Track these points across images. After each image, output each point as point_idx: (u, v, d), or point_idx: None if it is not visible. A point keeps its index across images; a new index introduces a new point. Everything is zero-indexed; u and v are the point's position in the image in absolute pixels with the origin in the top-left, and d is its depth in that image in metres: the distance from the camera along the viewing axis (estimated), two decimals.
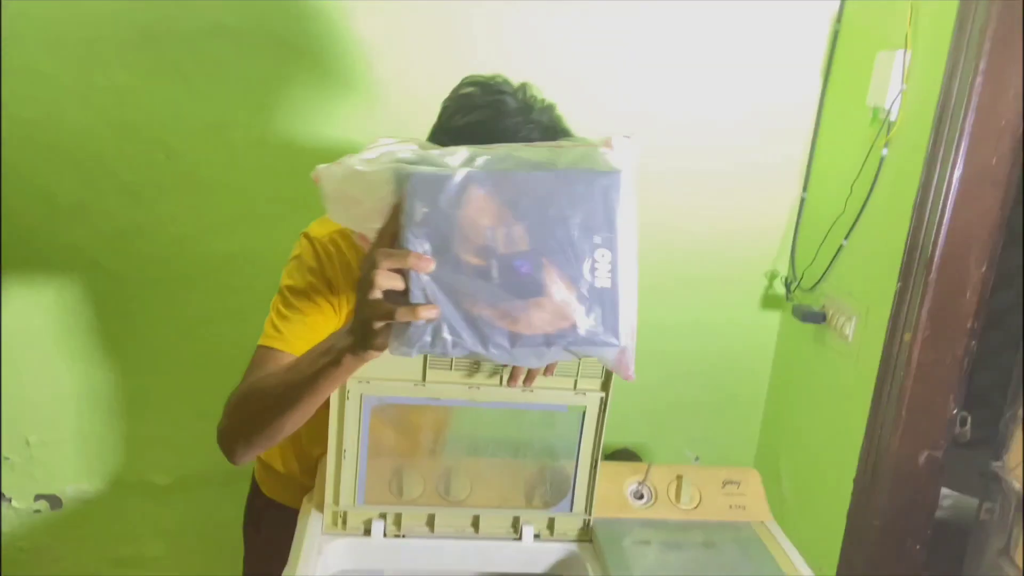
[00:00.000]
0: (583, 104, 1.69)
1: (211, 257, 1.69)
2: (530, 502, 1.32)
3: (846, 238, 1.62)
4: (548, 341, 0.81)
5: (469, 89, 1.09)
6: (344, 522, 1.26)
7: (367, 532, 1.25)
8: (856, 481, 1.57)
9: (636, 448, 1.98)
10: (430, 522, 1.31)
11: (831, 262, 1.67)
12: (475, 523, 1.31)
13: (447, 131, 1.08)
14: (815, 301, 1.74)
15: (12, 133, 1.56)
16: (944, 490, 1.59)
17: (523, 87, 1.09)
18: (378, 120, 1.66)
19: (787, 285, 1.83)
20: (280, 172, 1.66)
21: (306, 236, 1.18)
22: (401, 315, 0.79)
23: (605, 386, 1.27)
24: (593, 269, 0.81)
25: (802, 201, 1.81)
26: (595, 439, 1.30)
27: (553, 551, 1.30)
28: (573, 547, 1.29)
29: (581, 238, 0.81)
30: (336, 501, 1.25)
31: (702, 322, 1.90)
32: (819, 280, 1.71)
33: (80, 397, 1.74)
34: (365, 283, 0.81)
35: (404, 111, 1.64)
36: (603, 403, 1.27)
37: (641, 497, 1.35)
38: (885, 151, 1.52)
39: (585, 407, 1.27)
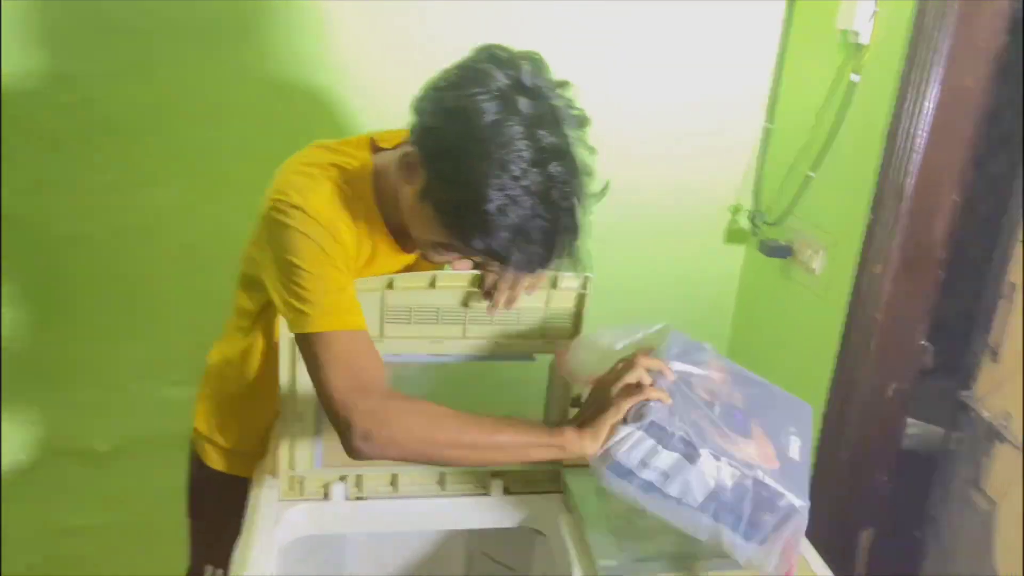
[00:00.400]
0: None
1: (143, 210, 1.56)
2: None
3: (814, 169, 1.57)
4: (747, 472, 0.96)
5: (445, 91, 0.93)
6: (302, 487, 1.19)
7: (327, 496, 1.19)
8: (825, 415, 1.55)
9: None
10: (393, 482, 1.24)
11: (798, 194, 1.62)
12: (441, 481, 1.25)
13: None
14: (781, 235, 1.69)
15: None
16: (909, 420, 1.59)
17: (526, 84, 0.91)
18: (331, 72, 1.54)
19: (752, 219, 1.78)
20: (217, 116, 1.53)
21: (307, 215, 0.99)
22: (649, 393, 0.96)
23: (574, 334, 1.21)
24: (788, 444, 1.03)
25: (767, 132, 1.74)
26: (565, 388, 1.24)
27: (524, 504, 1.25)
28: (544, 499, 1.24)
29: (781, 422, 1.06)
30: (292, 466, 1.18)
31: (665, 260, 1.85)
32: (785, 213, 1.66)
33: (8, 362, 1.62)
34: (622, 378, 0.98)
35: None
36: None
37: None
38: (855, 77, 1.45)
39: (554, 356, 1.21)
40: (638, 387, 0.97)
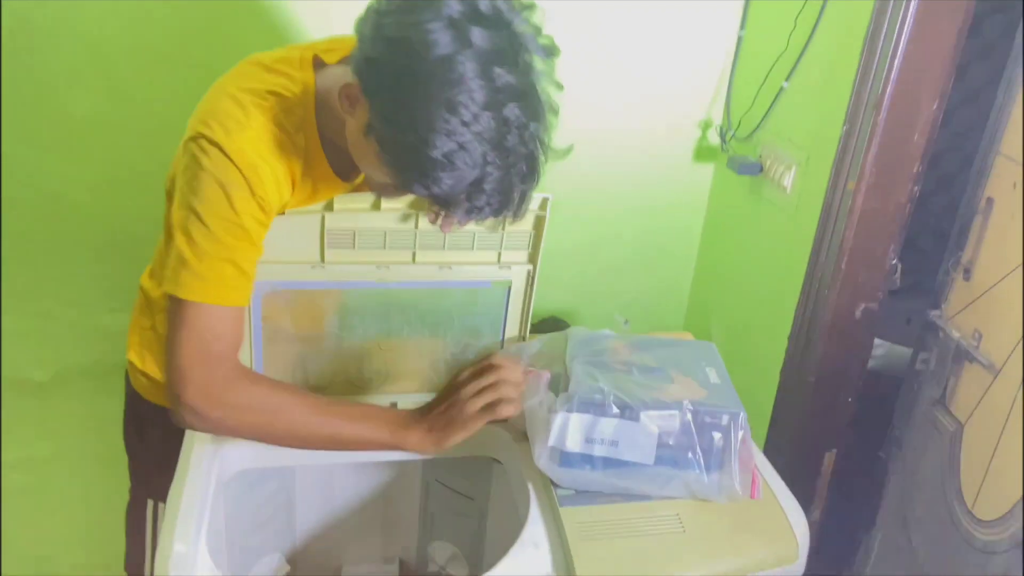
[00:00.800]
0: None
1: (67, 119, 1.44)
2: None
3: (787, 79, 1.48)
4: (681, 407, 1.02)
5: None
6: None
7: None
8: (791, 337, 1.51)
9: (564, 315, 1.88)
10: None
11: (770, 107, 1.54)
12: (392, 406, 1.19)
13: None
14: (752, 151, 1.62)
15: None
16: (876, 340, 1.56)
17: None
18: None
19: (722, 134, 1.70)
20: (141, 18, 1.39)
21: (227, 157, 0.89)
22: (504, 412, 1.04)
23: (532, 258, 1.14)
24: (706, 375, 1.11)
25: (739, 40, 1.64)
26: (522, 315, 1.18)
27: (478, 432, 1.20)
28: (499, 427, 1.19)
29: (693, 361, 1.14)
30: None
31: (630, 180, 1.77)
32: (756, 128, 1.58)
33: None
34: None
35: None
36: (530, 276, 1.14)
37: None
38: None
39: (510, 282, 1.14)
40: (493, 391, 1.03)
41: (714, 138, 1.74)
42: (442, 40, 0.76)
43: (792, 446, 1.55)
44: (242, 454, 1.12)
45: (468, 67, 0.77)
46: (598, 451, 1.00)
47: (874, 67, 1.28)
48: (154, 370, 1.18)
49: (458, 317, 1.17)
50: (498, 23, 0.79)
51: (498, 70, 0.78)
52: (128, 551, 1.35)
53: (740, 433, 1.02)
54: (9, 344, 1.60)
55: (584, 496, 1.03)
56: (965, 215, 1.39)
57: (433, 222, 1.05)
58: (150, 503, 1.27)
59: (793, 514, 1.05)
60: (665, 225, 1.84)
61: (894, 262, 1.42)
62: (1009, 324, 1.25)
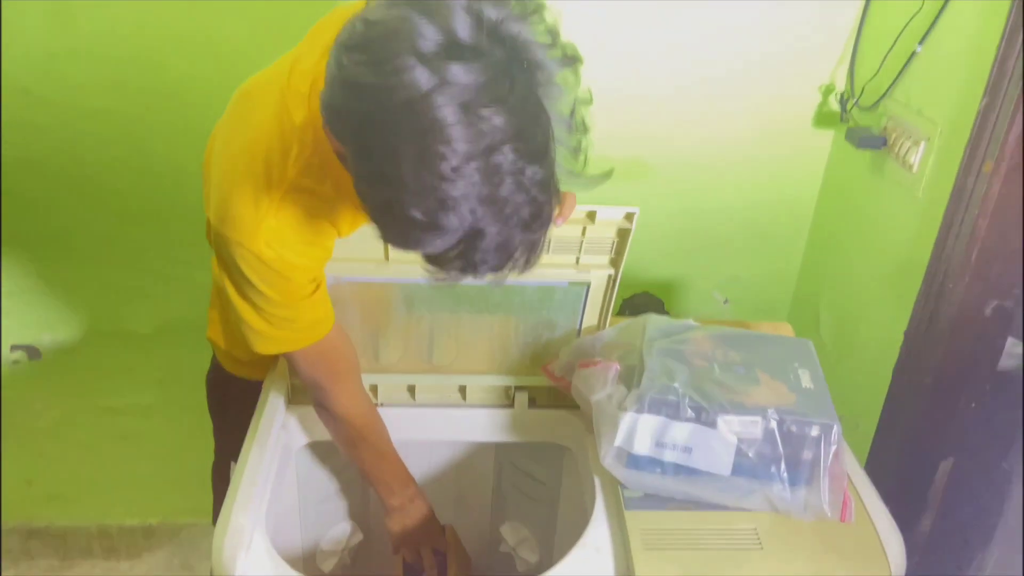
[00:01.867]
0: None
1: (177, 90, 1.46)
2: (524, 367, 1.15)
3: (921, 42, 1.31)
4: (765, 414, 0.94)
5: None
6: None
7: None
8: (907, 333, 1.37)
9: (659, 290, 1.79)
10: (411, 391, 1.16)
11: (899, 73, 1.37)
12: (462, 391, 1.16)
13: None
14: (875, 122, 1.46)
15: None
16: (1010, 339, 1.39)
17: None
18: None
19: (842, 103, 1.54)
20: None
21: (256, 257, 0.86)
22: None
23: (615, 263, 1.05)
24: (798, 377, 1.01)
25: None
26: (602, 311, 1.10)
27: (549, 419, 1.15)
28: (571, 414, 1.14)
29: (784, 360, 1.04)
30: None
31: (740, 147, 1.63)
32: (882, 96, 1.42)
33: (46, 245, 1.59)
34: None
35: None
36: (611, 280, 1.06)
37: None
38: None
39: (589, 283, 1.06)
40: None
41: (835, 105, 1.58)
42: (410, 81, 0.61)
43: (903, 452, 1.41)
44: (311, 429, 1.12)
45: (446, 110, 0.61)
46: (669, 456, 0.93)
47: (1022, 34, 1.11)
48: (233, 348, 1.19)
49: (532, 311, 1.11)
50: (487, 47, 0.63)
51: (485, 110, 0.62)
52: (214, 507, 1.39)
53: (832, 448, 0.92)
54: (111, 298, 1.67)
55: (653, 500, 0.96)
56: None
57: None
58: (233, 464, 1.30)
59: (889, 539, 0.94)
60: (775, 199, 1.70)
61: None
62: None
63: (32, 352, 1.70)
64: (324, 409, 1.07)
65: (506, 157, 0.63)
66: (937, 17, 1.27)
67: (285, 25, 1.40)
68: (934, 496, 1.43)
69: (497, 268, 0.70)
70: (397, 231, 0.68)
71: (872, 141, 1.42)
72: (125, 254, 1.63)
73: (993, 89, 1.16)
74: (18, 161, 1.50)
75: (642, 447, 0.93)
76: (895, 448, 1.41)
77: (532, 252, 0.71)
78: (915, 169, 1.34)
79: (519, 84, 0.64)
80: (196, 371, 1.75)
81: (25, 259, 1.61)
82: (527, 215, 0.67)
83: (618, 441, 0.94)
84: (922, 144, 1.32)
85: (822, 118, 1.61)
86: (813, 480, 0.92)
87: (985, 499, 1.47)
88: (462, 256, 0.67)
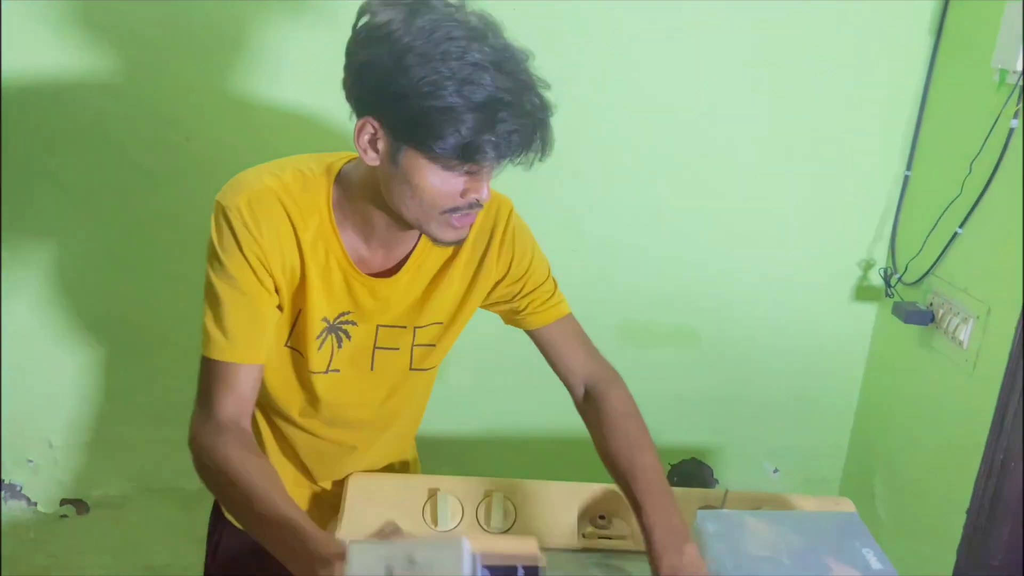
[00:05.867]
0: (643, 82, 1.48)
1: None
2: None
3: (962, 225, 1.37)
4: None
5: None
6: None
7: None
8: (970, 511, 1.34)
9: (707, 455, 1.78)
10: None
11: (942, 253, 1.42)
12: None
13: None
14: (921, 298, 1.50)
15: (14, 117, 1.43)
16: None
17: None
18: None
19: (886, 278, 1.59)
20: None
21: (217, 208, 0.94)
22: None
23: None
24: (866, 560, 0.99)
25: (905, 180, 1.56)
26: None
27: None
28: None
29: (846, 542, 1.02)
30: None
31: (785, 316, 1.68)
32: (926, 273, 1.47)
33: (104, 399, 1.64)
34: None
35: None
36: None
37: None
38: (1015, 122, 1.26)
39: None
40: None
41: (876, 280, 1.63)
42: (399, 16, 0.82)
43: None
44: None
45: (436, 18, 0.82)
46: None
47: None
48: None
49: None
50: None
51: (461, 13, 0.83)
52: None
53: None
54: (163, 454, 1.68)
55: None
56: None
57: (479, 199, 0.91)
58: None
59: None
60: (821, 367, 1.72)
61: None
62: None
63: (81, 507, 1.71)
64: (199, 453, 0.94)
65: (499, 41, 0.83)
66: (977, 202, 1.34)
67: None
68: None
69: (524, 142, 0.84)
70: (445, 126, 0.81)
71: (920, 317, 1.45)
72: (179, 408, 1.66)
73: None
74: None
75: None
76: None
77: (547, 137, 0.87)
78: (965, 346, 1.36)
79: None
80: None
81: (80, 411, 1.65)
82: (537, 99, 0.84)
83: None
84: (971, 322, 1.35)
85: (864, 292, 1.66)
86: None
87: None
88: (492, 129, 0.82)
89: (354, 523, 1.11)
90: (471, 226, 0.97)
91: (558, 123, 0.89)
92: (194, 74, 1.43)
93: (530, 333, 1.14)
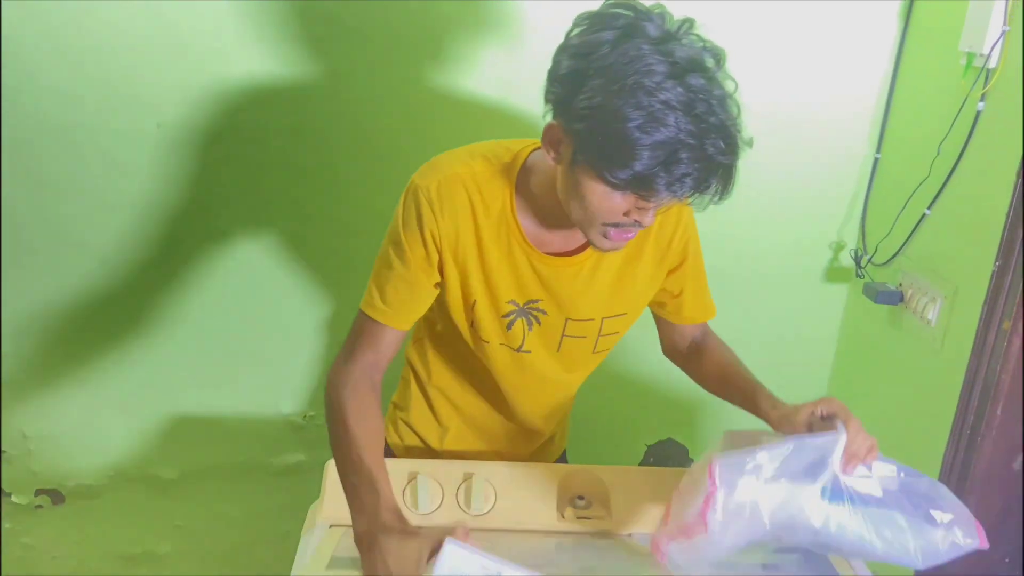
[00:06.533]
0: None
1: (212, 236, 1.54)
2: None
3: (930, 207, 1.40)
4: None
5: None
6: None
7: None
8: None
9: (682, 436, 1.80)
10: None
11: (911, 234, 1.45)
12: None
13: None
14: (891, 278, 1.52)
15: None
16: None
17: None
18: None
19: (856, 259, 1.62)
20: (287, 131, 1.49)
21: (411, 184, 1.04)
22: None
23: None
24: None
25: (875, 162, 1.58)
26: None
27: None
28: None
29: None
30: None
31: (758, 297, 1.70)
32: (895, 254, 1.50)
33: (77, 389, 1.62)
34: None
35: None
36: None
37: None
38: (981, 105, 1.28)
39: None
40: None
41: (847, 261, 1.66)
42: (615, 35, 0.84)
43: None
44: None
45: (642, 47, 0.82)
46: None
47: None
48: None
49: None
50: (667, 28, 0.86)
51: (672, 45, 0.83)
52: None
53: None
54: (139, 443, 1.68)
55: None
56: None
57: (641, 223, 0.94)
58: None
59: None
60: (794, 347, 1.75)
61: None
62: None
63: (56, 497, 1.69)
64: (329, 388, 1.06)
65: (697, 81, 0.82)
66: (944, 185, 1.36)
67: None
68: None
69: (698, 182, 0.85)
70: (620, 152, 0.83)
71: (889, 296, 1.48)
72: (154, 398, 1.66)
73: (1005, 252, 1.23)
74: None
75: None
76: None
77: (727, 180, 0.88)
78: (933, 324, 1.39)
79: (693, 46, 0.85)
80: (215, 518, 1.75)
81: (54, 402, 1.63)
82: (723, 142, 0.84)
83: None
84: (939, 301, 1.38)
85: (835, 273, 1.69)
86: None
87: None
88: (667, 169, 0.83)
89: (335, 506, 1.12)
90: (628, 240, 0.99)
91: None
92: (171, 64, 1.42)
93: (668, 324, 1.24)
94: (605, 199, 0.90)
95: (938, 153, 1.37)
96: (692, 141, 0.82)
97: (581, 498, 1.17)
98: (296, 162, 1.51)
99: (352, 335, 1.09)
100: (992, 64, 1.26)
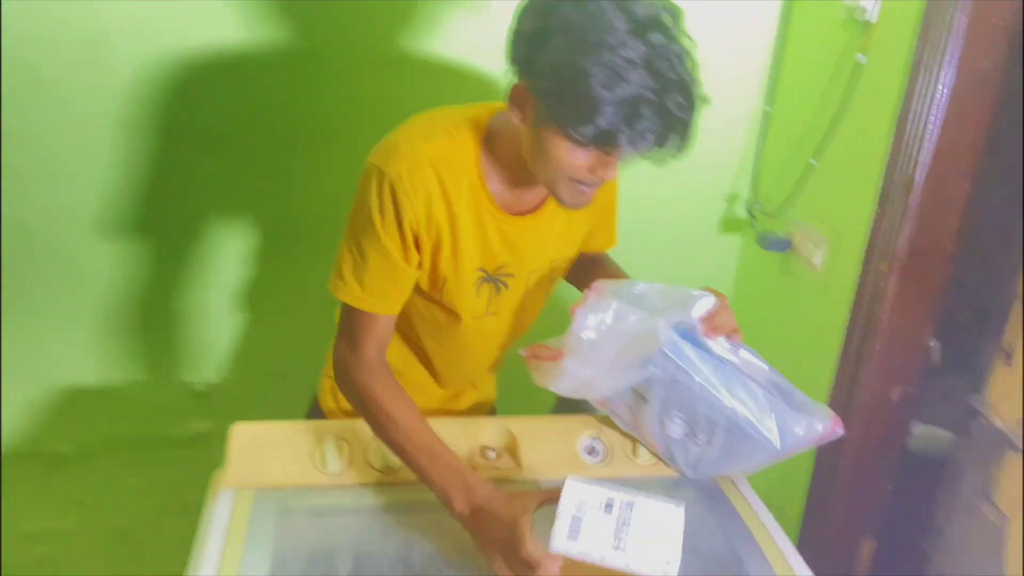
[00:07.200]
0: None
1: (100, 196, 1.47)
2: None
3: (815, 157, 1.47)
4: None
5: None
6: None
7: None
8: None
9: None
10: None
11: (798, 184, 1.52)
12: None
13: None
14: (780, 227, 1.60)
15: None
16: (915, 421, 1.50)
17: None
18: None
19: (749, 210, 1.68)
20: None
21: (376, 171, 1.00)
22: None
23: None
24: None
25: (765, 116, 1.64)
26: None
27: None
28: None
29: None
30: None
31: (654, 250, 1.74)
32: (785, 204, 1.56)
33: None
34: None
35: None
36: None
37: (595, 453, 1.22)
38: (862, 58, 1.35)
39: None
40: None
41: (741, 212, 1.72)
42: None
43: (828, 534, 1.49)
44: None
45: (604, 5, 0.83)
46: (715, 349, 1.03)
47: (905, 149, 1.26)
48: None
49: None
50: None
51: (631, 3, 0.84)
52: None
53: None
54: (29, 416, 1.60)
55: None
56: (1004, 298, 1.34)
57: (605, 177, 0.97)
58: None
59: None
60: None
61: (932, 343, 1.38)
62: None
63: None
64: (348, 384, 1.09)
65: (658, 39, 0.83)
66: (828, 136, 1.43)
67: None
68: (859, 575, 1.50)
69: (659, 137, 0.87)
70: (584, 109, 0.85)
71: (779, 244, 1.55)
72: (44, 368, 1.58)
73: (884, 198, 1.30)
74: None
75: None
76: (821, 531, 1.49)
77: (685, 135, 0.90)
78: (819, 269, 1.47)
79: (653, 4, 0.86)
80: (118, 493, 1.69)
81: None
82: (681, 97, 0.85)
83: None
84: (824, 246, 1.45)
85: (729, 223, 1.75)
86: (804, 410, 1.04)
87: None
88: (629, 124, 0.85)
89: (240, 472, 1.10)
90: (592, 196, 1.00)
91: None
92: None
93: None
94: (570, 156, 0.91)
95: (822, 105, 1.43)
96: (653, 97, 0.84)
97: (491, 450, 1.19)
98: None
99: (345, 327, 1.09)
100: (872, 19, 1.32)
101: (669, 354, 1.01)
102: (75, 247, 1.49)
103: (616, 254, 1.72)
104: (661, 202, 1.70)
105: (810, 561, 1.06)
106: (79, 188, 1.45)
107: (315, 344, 1.64)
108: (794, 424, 1.02)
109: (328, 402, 1.28)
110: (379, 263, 1.03)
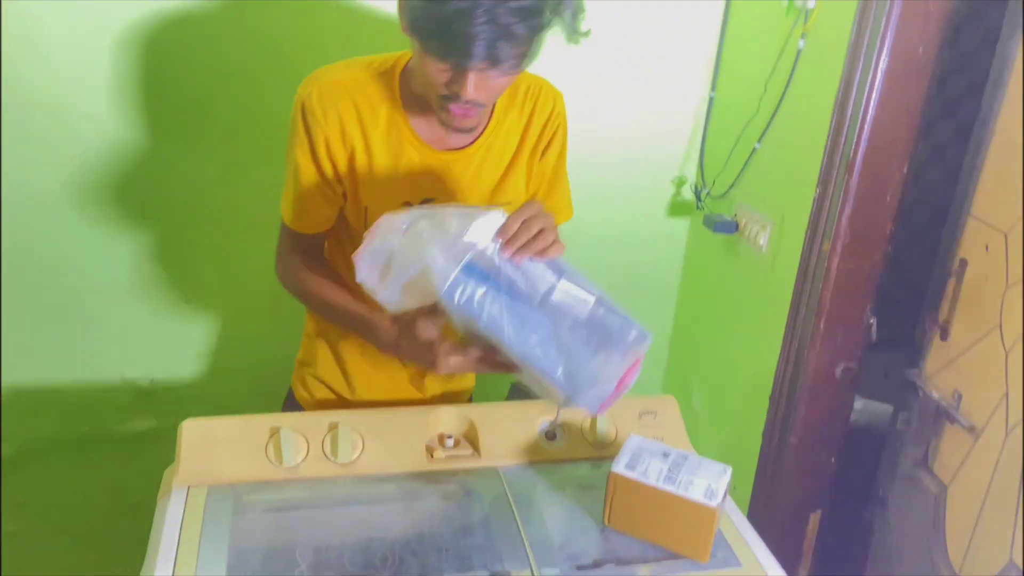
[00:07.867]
0: None
1: (39, 187, 1.41)
2: None
3: (759, 141, 1.50)
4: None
5: None
6: None
7: None
8: (772, 398, 1.50)
9: None
10: None
11: (743, 167, 1.55)
12: None
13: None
14: (727, 209, 1.63)
15: None
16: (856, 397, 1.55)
17: None
18: None
19: (696, 193, 1.71)
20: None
21: (297, 96, 1.07)
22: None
23: None
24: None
25: (711, 101, 1.66)
26: None
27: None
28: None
29: None
30: None
31: (604, 234, 1.76)
32: (731, 187, 1.59)
33: None
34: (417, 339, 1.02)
35: None
36: None
37: (553, 437, 1.23)
38: (802, 43, 1.38)
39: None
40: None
41: (688, 195, 1.75)
42: None
43: (776, 507, 1.53)
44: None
45: None
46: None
47: (844, 132, 1.30)
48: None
49: None
50: None
51: None
52: None
53: (636, 354, 0.92)
54: None
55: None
56: (939, 275, 1.40)
57: (460, 95, 0.95)
58: None
59: None
60: (641, 281, 1.84)
61: (871, 320, 1.42)
62: (988, 385, 1.25)
63: None
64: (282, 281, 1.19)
65: None
66: (771, 120, 1.46)
67: None
68: (807, 546, 1.55)
69: (490, 50, 0.88)
70: (425, 14, 0.88)
71: (726, 226, 1.58)
72: None
73: (824, 180, 1.34)
74: None
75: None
76: (770, 505, 1.53)
77: (522, 48, 0.91)
78: (764, 250, 1.50)
79: None
80: (63, 494, 1.65)
81: None
82: (516, 3, 0.86)
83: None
84: (768, 228, 1.49)
85: (677, 207, 1.78)
86: (607, 367, 0.90)
87: (851, 549, 1.61)
88: (463, 32, 0.86)
89: (192, 469, 1.08)
90: (472, 119, 1.02)
91: None
92: None
93: None
94: (428, 67, 0.94)
95: (765, 90, 1.46)
96: (482, 8, 0.86)
97: (449, 437, 1.19)
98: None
99: (281, 240, 1.19)
100: (811, 5, 1.35)
101: (446, 300, 0.88)
102: (7, 241, 1.44)
103: (567, 238, 1.74)
104: (613, 185, 1.71)
105: (761, 532, 1.09)
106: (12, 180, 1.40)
107: (263, 340, 1.62)
108: (589, 364, 0.90)
109: (300, 392, 1.29)
110: (298, 182, 1.09)
